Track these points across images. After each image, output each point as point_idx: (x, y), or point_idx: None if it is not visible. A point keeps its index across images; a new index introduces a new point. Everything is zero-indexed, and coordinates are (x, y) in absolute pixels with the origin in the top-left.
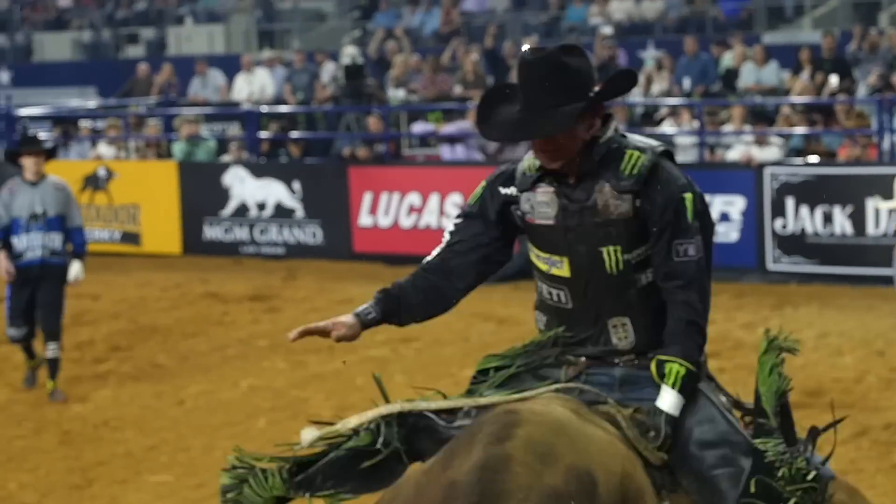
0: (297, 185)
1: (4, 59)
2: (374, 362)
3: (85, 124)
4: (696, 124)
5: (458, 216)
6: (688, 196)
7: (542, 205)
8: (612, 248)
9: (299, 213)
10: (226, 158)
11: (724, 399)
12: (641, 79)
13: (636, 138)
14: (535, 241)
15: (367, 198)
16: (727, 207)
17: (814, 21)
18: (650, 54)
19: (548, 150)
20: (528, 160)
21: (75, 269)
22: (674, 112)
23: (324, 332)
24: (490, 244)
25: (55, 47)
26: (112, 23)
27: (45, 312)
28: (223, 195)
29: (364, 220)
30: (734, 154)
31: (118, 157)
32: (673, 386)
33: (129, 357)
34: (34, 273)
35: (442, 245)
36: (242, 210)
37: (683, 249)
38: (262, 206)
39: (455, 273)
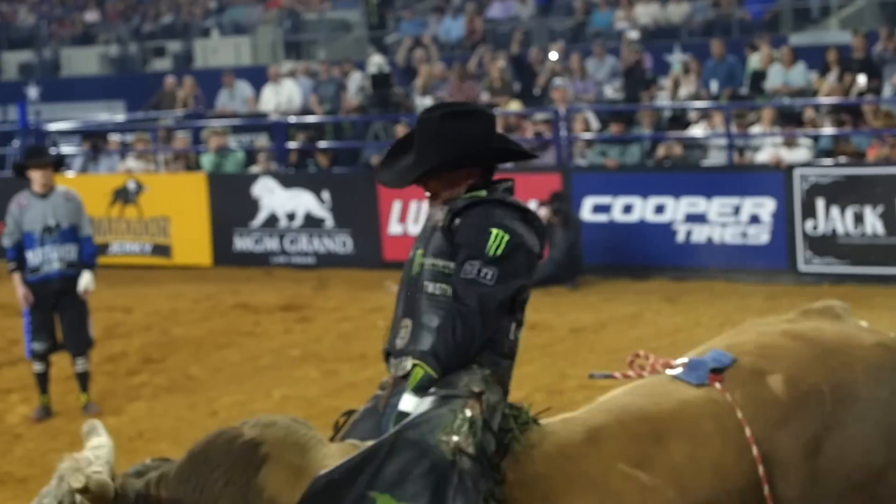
0: (326, 195)
1: (33, 74)
2: None
3: (114, 138)
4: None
5: None
6: (496, 231)
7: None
8: (420, 251)
9: (329, 222)
10: (254, 169)
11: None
12: (669, 83)
13: (507, 195)
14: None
15: (397, 206)
16: (757, 210)
17: (840, 21)
18: (676, 58)
19: (429, 195)
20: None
21: (85, 279)
22: (705, 115)
23: None
24: None
25: (83, 62)
26: (139, 37)
27: (71, 330)
28: (253, 206)
29: (394, 228)
30: (763, 156)
31: (147, 171)
32: (413, 388)
33: (162, 369)
34: (53, 287)
35: None
36: (272, 220)
37: (470, 268)
38: (291, 217)
39: None
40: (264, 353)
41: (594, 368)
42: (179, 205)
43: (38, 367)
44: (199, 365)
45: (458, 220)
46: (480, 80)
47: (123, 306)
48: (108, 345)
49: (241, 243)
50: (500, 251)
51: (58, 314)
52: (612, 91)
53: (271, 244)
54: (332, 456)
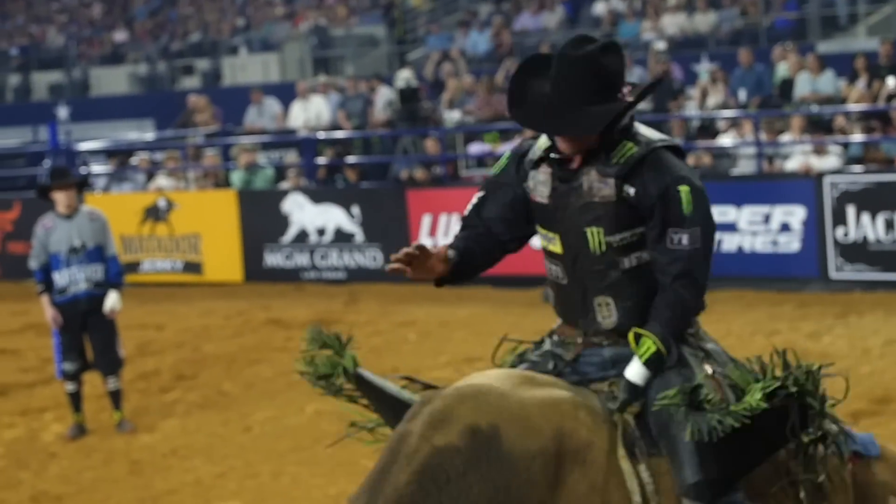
0: (356, 210)
1: (62, 94)
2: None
3: (143, 156)
4: (753, 135)
5: (484, 185)
6: (683, 188)
7: (540, 183)
8: (595, 230)
9: (359, 237)
10: (284, 185)
11: (707, 369)
12: (696, 92)
13: (643, 131)
14: (536, 217)
15: (427, 220)
16: (788, 217)
17: (868, 28)
18: (704, 67)
19: (572, 142)
20: (542, 139)
21: (112, 299)
22: (734, 124)
23: (421, 258)
24: (515, 210)
25: (112, 81)
26: (167, 55)
27: (101, 350)
28: (283, 222)
29: (423, 241)
30: (793, 164)
31: (177, 188)
32: (641, 358)
33: (195, 386)
34: (81, 307)
35: (473, 210)
36: (302, 236)
37: (678, 238)
38: (321, 232)
39: (497, 239)
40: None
41: None
42: (210, 222)
43: (70, 386)
44: (231, 381)
45: (632, 189)
46: None
47: (155, 324)
48: (141, 362)
49: (272, 259)
50: (691, 207)
51: (87, 334)
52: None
53: (302, 260)
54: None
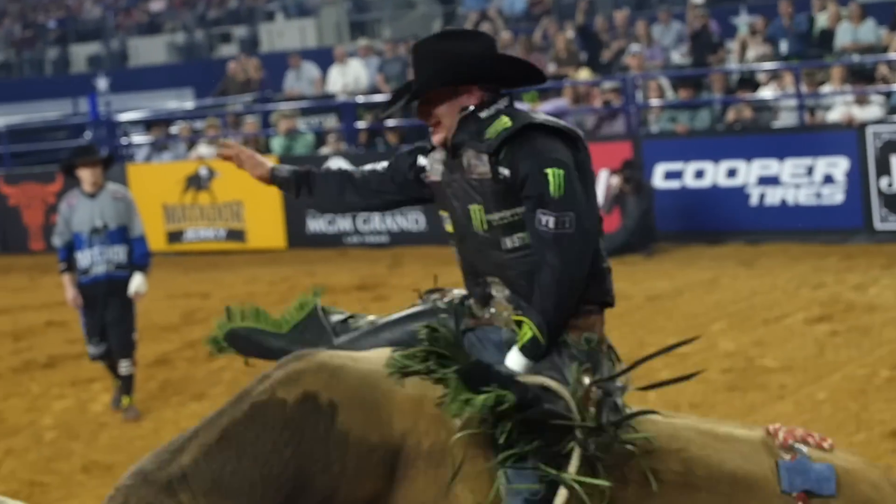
0: None
1: (101, 66)
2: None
3: (183, 125)
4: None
5: (393, 156)
6: (552, 171)
7: (436, 162)
8: (476, 207)
9: None
10: (324, 151)
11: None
12: (736, 45)
13: (526, 113)
14: (436, 198)
15: None
16: (831, 169)
17: None
18: (743, 20)
19: (430, 123)
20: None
21: (136, 281)
22: (774, 76)
23: (237, 160)
24: (402, 185)
25: (150, 51)
26: (204, 23)
27: (115, 331)
28: None
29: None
30: (835, 115)
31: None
32: (518, 344)
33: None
34: (101, 289)
35: (374, 166)
36: None
37: (544, 220)
38: None
39: (364, 189)
40: None
41: (672, 335)
42: (252, 189)
43: (102, 364)
44: None
45: (506, 171)
46: (546, 51)
47: (200, 292)
48: (187, 331)
49: (315, 225)
50: (561, 190)
51: (105, 315)
52: (679, 56)
53: (344, 225)
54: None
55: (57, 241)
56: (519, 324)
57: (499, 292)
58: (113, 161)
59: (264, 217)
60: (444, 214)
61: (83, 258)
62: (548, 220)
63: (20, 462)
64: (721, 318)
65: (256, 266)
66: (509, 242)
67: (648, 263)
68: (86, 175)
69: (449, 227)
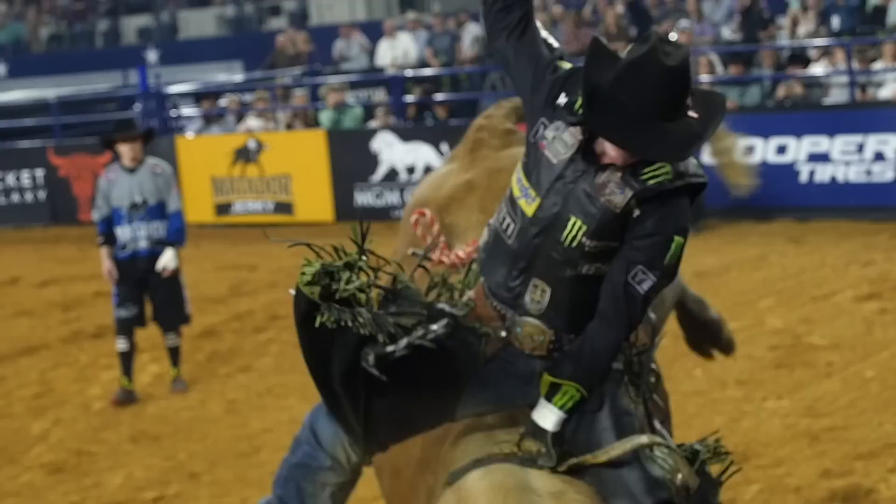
0: (444, 147)
1: (151, 38)
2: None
3: (232, 98)
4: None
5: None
6: (678, 240)
7: (561, 142)
8: (579, 223)
9: None
10: (373, 124)
11: (626, 402)
12: (787, 21)
13: (685, 163)
14: (528, 163)
15: None
16: (881, 147)
17: None
18: None
19: (621, 156)
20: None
21: (166, 257)
22: (825, 52)
23: None
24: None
25: (200, 24)
26: None
27: (163, 310)
28: (372, 161)
29: None
30: (886, 92)
31: (267, 129)
32: (561, 407)
33: (289, 325)
34: (141, 265)
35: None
36: (392, 175)
37: (642, 280)
38: (411, 170)
39: None
40: None
41: (720, 311)
42: (300, 162)
43: (121, 345)
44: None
45: (637, 211)
46: (596, 26)
47: (248, 264)
48: (235, 303)
49: (362, 198)
50: (673, 260)
51: (148, 293)
52: (729, 32)
53: (392, 198)
54: None
55: (95, 215)
56: (555, 387)
57: (541, 299)
58: (153, 136)
59: (312, 190)
60: (528, 188)
61: (122, 233)
62: (644, 281)
63: (68, 431)
64: (769, 294)
65: (304, 239)
66: (586, 268)
67: (696, 239)
68: (125, 150)
69: (527, 207)
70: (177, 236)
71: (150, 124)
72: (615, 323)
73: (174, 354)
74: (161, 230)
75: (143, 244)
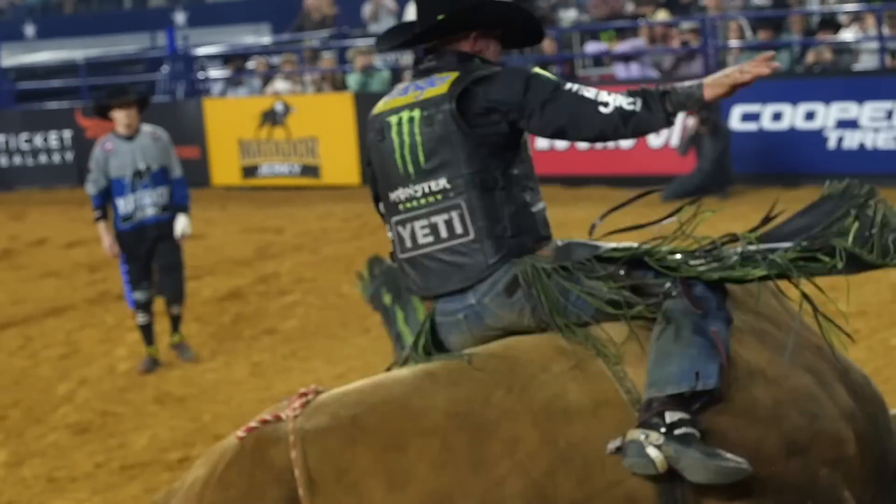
0: None
1: (179, 0)
2: None
3: (260, 60)
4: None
5: None
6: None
7: None
8: None
9: None
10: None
11: None
12: None
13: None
14: None
15: None
16: None
17: None
18: None
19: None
20: None
21: (182, 223)
22: (856, 18)
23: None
24: None
25: None
26: None
27: (168, 276)
28: None
29: (540, 142)
30: None
31: (294, 92)
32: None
33: (314, 288)
34: (150, 234)
35: None
36: None
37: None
38: None
39: None
40: None
41: None
42: (327, 125)
43: (141, 318)
44: (350, 283)
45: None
46: None
47: (274, 227)
48: (260, 265)
49: None
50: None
51: (155, 260)
52: None
53: None
54: None
55: (91, 188)
56: None
57: None
58: (148, 102)
59: (339, 153)
60: None
61: (126, 204)
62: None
63: (94, 392)
64: None
65: (330, 202)
66: None
67: (724, 206)
68: (120, 116)
69: None
70: (185, 202)
71: (178, 86)
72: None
73: (176, 322)
74: (165, 196)
75: (150, 212)
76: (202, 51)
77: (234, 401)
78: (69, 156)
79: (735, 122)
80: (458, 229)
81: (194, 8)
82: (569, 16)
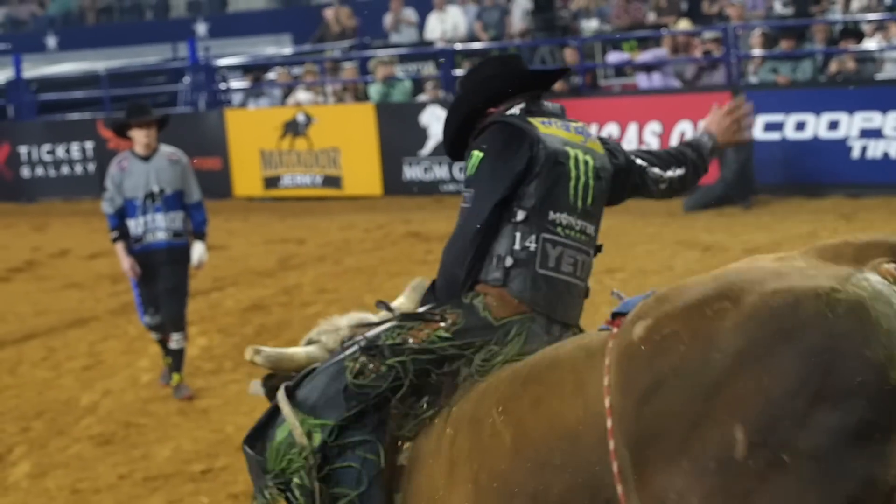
0: None
1: (201, 11)
2: None
3: (281, 71)
4: None
5: None
6: (475, 153)
7: None
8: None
9: None
10: (422, 98)
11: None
12: None
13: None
14: None
15: None
16: None
17: None
18: None
19: None
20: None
21: (198, 251)
22: (879, 27)
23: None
24: None
25: None
26: None
27: (168, 300)
28: (421, 135)
29: None
30: None
31: (316, 102)
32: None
33: (337, 299)
34: (159, 258)
35: None
36: (441, 149)
37: (465, 196)
38: None
39: None
40: None
41: None
42: (348, 135)
43: (156, 335)
44: (372, 294)
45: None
46: (646, 0)
47: (296, 238)
48: (283, 276)
49: (411, 172)
50: (474, 171)
51: (159, 286)
52: (781, 6)
53: (440, 172)
54: None
55: (107, 207)
56: None
57: None
58: (167, 122)
59: (361, 164)
60: None
61: (136, 225)
62: (465, 195)
63: (117, 403)
64: None
65: (352, 213)
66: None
67: (746, 215)
68: (139, 136)
69: None
70: (203, 228)
71: (199, 97)
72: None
73: (177, 358)
74: (178, 221)
75: (160, 236)
76: (224, 62)
77: (258, 412)
78: (91, 167)
79: (758, 131)
80: (582, 275)
81: (216, 19)
82: (591, 26)
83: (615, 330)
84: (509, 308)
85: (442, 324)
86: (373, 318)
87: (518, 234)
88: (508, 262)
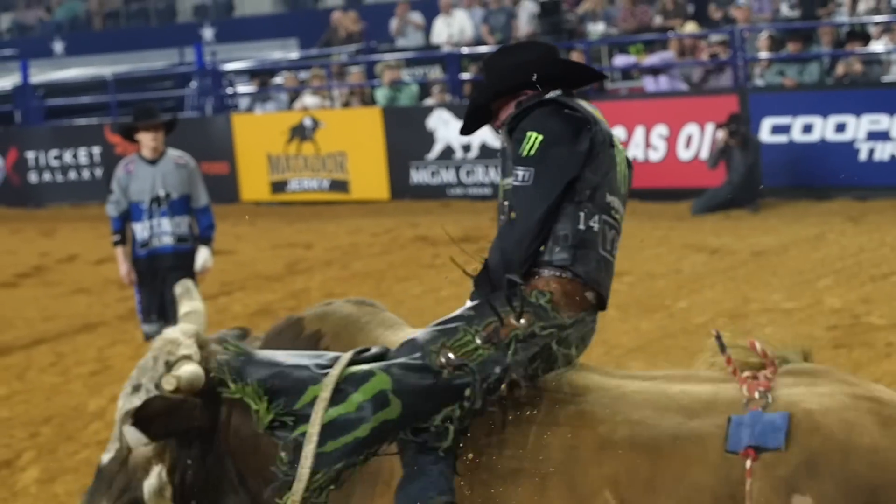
0: None
1: (207, 16)
2: None
3: (288, 75)
4: None
5: None
6: (529, 133)
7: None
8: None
9: None
10: (429, 102)
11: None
12: None
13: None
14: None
15: None
16: None
17: None
18: None
19: (496, 126)
20: None
21: (203, 256)
22: (886, 29)
23: None
24: None
25: (255, 1)
26: None
27: (174, 309)
28: (428, 139)
29: None
30: None
31: (322, 107)
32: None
33: None
34: (164, 263)
35: None
36: (448, 153)
37: (516, 174)
38: (467, 148)
39: None
40: (445, 285)
41: (777, 291)
42: (355, 140)
43: (150, 333)
44: (380, 298)
45: (508, 141)
46: (653, 3)
47: (304, 242)
48: (291, 281)
49: (418, 176)
50: (534, 151)
51: (164, 291)
52: (787, 9)
53: (448, 176)
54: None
55: (111, 210)
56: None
57: None
58: (175, 125)
59: (368, 168)
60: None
61: (142, 229)
62: (517, 174)
63: None
64: (827, 274)
65: (359, 217)
66: (508, 209)
67: (754, 218)
68: (146, 139)
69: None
70: (209, 233)
71: (206, 102)
72: (506, 220)
73: None
74: (184, 226)
75: (166, 240)
76: (230, 66)
77: None
78: (98, 172)
79: (765, 134)
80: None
81: (222, 24)
82: (597, 29)
83: (748, 463)
84: (573, 304)
85: (520, 321)
86: (184, 343)
87: (582, 214)
88: (573, 241)
